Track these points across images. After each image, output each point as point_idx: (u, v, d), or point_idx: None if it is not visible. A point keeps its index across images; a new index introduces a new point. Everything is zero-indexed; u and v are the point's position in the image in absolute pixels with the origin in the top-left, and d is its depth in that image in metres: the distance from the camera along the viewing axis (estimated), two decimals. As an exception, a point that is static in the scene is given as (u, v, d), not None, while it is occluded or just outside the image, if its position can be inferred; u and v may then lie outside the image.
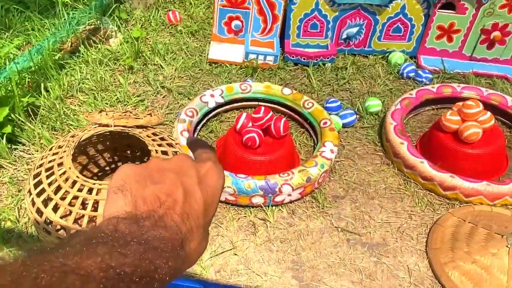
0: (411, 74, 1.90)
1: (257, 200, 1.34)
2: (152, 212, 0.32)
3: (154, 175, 0.35)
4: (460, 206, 1.38)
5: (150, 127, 1.23)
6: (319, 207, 1.38)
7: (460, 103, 1.47)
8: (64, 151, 1.00)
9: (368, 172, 1.51)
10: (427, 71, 1.90)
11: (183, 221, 0.33)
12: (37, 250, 0.27)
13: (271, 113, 1.44)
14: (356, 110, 1.75)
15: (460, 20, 1.86)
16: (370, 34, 1.96)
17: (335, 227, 1.33)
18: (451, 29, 1.90)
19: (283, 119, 1.42)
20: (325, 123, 1.56)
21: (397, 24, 1.92)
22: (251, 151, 1.40)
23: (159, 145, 1.16)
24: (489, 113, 1.44)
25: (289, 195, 1.35)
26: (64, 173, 0.95)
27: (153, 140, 1.16)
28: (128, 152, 1.31)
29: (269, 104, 1.69)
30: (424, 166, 1.41)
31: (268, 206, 1.36)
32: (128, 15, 2.19)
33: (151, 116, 1.29)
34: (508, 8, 1.79)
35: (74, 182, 0.93)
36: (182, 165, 0.37)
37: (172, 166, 0.37)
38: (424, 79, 1.87)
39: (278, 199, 1.35)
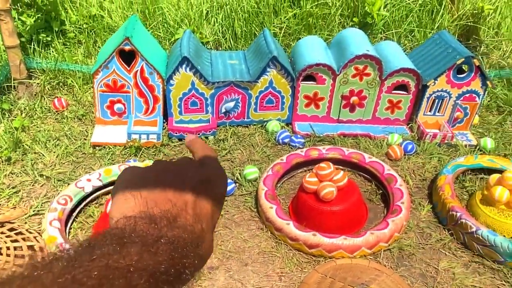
0: (286, 140, 2.08)
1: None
2: (166, 212, 0.32)
3: (161, 176, 0.36)
4: (325, 262, 1.48)
5: (8, 222, 1.23)
6: (192, 282, 1.42)
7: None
8: None
9: (244, 239, 1.59)
10: (299, 136, 2.08)
11: (196, 222, 0.33)
12: (74, 253, 0.27)
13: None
14: (236, 178, 1.86)
15: (322, 89, 2.10)
16: (246, 107, 2.13)
17: (208, 299, 1.37)
18: (316, 97, 2.13)
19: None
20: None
21: (269, 96, 2.12)
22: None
23: (14, 241, 1.16)
24: (341, 172, 1.61)
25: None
26: None
27: (8, 236, 1.16)
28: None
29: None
30: (290, 227, 1.52)
31: None
32: (12, 105, 2.19)
33: (15, 209, 1.29)
34: (359, 76, 2.05)
35: None
36: (187, 168, 0.37)
37: (178, 169, 0.37)
38: (297, 144, 2.05)
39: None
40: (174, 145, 2.05)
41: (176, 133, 2.05)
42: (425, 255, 1.52)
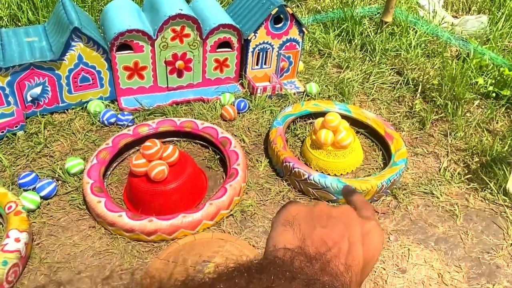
0: (112, 120, 1.87)
1: None
2: (321, 255, 0.33)
3: (322, 219, 0.37)
4: (167, 245, 1.38)
5: None
6: (13, 311, 1.20)
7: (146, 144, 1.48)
8: None
9: (74, 243, 1.39)
10: (126, 112, 1.89)
11: (347, 272, 0.33)
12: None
13: None
14: (56, 176, 1.61)
15: (142, 58, 1.91)
16: (58, 90, 1.84)
17: (35, 326, 1.17)
18: (138, 67, 1.94)
19: None
20: (10, 207, 1.37)
21: (82, 74, 1.85)
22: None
23: None
24: (170, 147, 1.49)
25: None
26: None
27: None
28: None
29: None
30: (123, 219, 1.37)
31: None
32: None
33: None
34: (178, 38, 1.91)
35: None
36: (349, 217, 0.38)
37: (339, 216, 0.38)
38: (125, 122, 1.86)
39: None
40: (-28, 151, 1.68)
41: (-30, 136, 1.68)
42: (267, 211, 1.53)
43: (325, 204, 0.40)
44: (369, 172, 1.74)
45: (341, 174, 1.72)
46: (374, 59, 2.41)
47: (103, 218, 1.40)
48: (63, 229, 1.44)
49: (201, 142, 1.81)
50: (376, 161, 1.80)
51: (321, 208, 0.39)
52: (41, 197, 1.52)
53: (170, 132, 1.78)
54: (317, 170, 1.69)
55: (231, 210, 1.49)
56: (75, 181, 1.61)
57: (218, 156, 1.74)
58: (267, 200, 1.57)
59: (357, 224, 0.38)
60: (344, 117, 1.80)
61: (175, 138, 1.82)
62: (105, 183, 1.60)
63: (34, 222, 1.45)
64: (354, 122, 1.91)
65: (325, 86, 2.21)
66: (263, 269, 0.30)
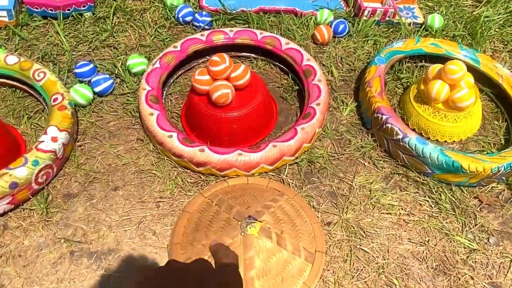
0: (188, 19, 1.61)
1: None
2: None
3: (174, 283, 0.36)
4: (216, 182, 1.19)
5: None
6: (40, 214, 1.10)
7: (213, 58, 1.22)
8: None
9: (117, 154, 1.25)
10: (204, 12, 1.61)
11: None
12: None
13: None
14: (116, 72, 1.44)
15: None
16: (134, -28, 1.60)
17: (59, 238, 1.07)
18: (227, -41, 1.61)
19: None
20: (55, 99, 1.23)
21: (162, -43, 1.58)
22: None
23: None
24: (242, 67, 1.22)
25: (-8, 209, 1.05)
26: None
27: None
28: None
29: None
30: (173, 140, 1.18)
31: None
32: None
33: None
34: None
35: None
36: (203, 274, 0.38)
37: (193, 275, 0.38)
38: (201, 23, 1.60)
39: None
40: (38, 25, 1.55)
41: (36, 8, 1.53)
42: (339, 167, 1.26)
43: (177, 263, 0.39)
44: (482, 147, 1.35)
45: (445, 142, 1.36)
46: (528, -4, 1.83)
47: (152, 134, 1.22)
48: (110, 134, 1.29)
49: (281, 66, 1.51)
50: (496, 135, 1.39)
51: (172, 273, 0.38)
52: (95, 93, 1.37)
53: (248, 46, 1.49)
54: (414, 130, 1.34)
55: (296, 158, 1.24)
56: (135, 82, 1.42)
57: (297, 88, 1.44)
58: (343, 154, 1.29)
59: (214, 276, 0.38)
60: (469, 69, 1.38)
61: (252, 55, 1.53)
62: (164, 92, 1.40)
63: (82, 120, 1.32)
64: (480, 77, 1.48)
65: (452, 21, 1.73)
66: None
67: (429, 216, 1.18)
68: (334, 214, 1.15)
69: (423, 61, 1.56)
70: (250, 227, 1.01)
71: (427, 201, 1.21)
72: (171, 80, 1.45)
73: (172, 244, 1.06)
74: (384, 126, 1.26)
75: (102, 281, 1.01)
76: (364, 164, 1.27)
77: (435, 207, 1.19)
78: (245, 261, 0.98)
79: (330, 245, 1.09)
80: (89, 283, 1.00)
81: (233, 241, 1.01)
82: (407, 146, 1.22)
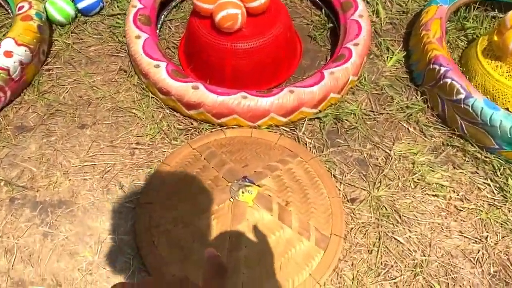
0: None
1: None
2: None
3: None
4: (210, 132, 0.91)
5: None
6: (-19, 148, 0.86)
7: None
8: None
9: (93, 85, 0.98)
10: None
11: None
12: None
13: None
14: (108, -11, 1.17)
15: None
16: None
17: (0, 179, 0.83)
18: None
19: None
20: (21, 7, 0.97)
21: None
22: None
23: None
24: (259, -16, 0.92)
25: None
26: None
27: None
28: None
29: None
30: (160, 71, 0.90)
31: None
32: None
33: None
34: None
35: None
36: None
37: None
38: None
39: None
40: None
41: None
42: (375, 130, 0.96)
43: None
44: None
45: (518, 112, 1.03)
46: None
47: (136, 62, 0.94)
48: (88, 61, 1.03)
49: (314, -2, 1.20)
50: None
51: None
52: (78, 11, 1.10)
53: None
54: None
55: (319, 111, 0.94)
56: (128, 1, 1.15)
57: (331, 26, 1.13)
58: (381, 114, 0.98)
59: None
60: None
61: (278, -18, 1.22)
62: (162, 17, 1.12)
63: (56, 40, 1.05)
64: None
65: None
66: None
67: (489, 204, 0.87)
68: (362, 188, 0.86)
69: (497, 10, 1.21)
70: (243, 192, 0.73)
71: (489, 185, 0.89)
72: (173, 3, 1.16)
73: (139, 204, 0.80)
74: (442, 82, 0.94)
75: (43, 241, 0.76)
76: (408, 129, 0.97)
77: (498, 193, 0.88)
78: (231, 237, 0.71)
79: (352, 228, 0.81)
80: (27, 241, 0.76)
81: (218, 208, 0.73)
82: (470, 110, 0.90)
